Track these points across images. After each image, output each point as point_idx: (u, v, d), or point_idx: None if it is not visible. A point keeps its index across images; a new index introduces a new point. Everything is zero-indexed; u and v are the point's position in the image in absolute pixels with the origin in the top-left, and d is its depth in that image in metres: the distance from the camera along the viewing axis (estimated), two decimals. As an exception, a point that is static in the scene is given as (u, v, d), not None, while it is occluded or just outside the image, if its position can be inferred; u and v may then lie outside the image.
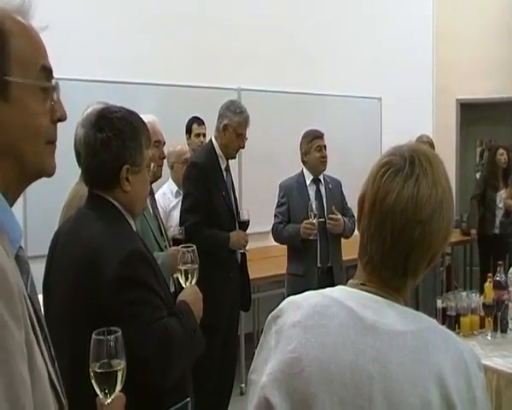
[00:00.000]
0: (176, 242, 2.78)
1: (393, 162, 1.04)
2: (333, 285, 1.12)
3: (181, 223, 3.33)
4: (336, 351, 0.97)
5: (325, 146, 3.93)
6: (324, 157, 3.91)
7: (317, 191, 3.96)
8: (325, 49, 6.10)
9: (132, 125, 1.73)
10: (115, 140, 1.68)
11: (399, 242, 1.01)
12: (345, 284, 1.10)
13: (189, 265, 1.89)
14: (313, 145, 3.91)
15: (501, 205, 6.04)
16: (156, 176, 2.89)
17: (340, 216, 3.80)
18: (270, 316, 1.08)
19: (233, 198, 3.59)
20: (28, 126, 0.95)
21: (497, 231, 6.08)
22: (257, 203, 5.05)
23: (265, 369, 1.01)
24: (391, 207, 1.00)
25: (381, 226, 1.02)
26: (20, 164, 0.95)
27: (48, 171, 0.99)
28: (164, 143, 2.90)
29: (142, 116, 2.66)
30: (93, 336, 1.27)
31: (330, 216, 3.79)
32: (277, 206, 4.01)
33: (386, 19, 6.66)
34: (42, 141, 0.97)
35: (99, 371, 1.26)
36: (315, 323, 1.00)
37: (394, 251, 1.01)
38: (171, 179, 4.15)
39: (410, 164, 1.03)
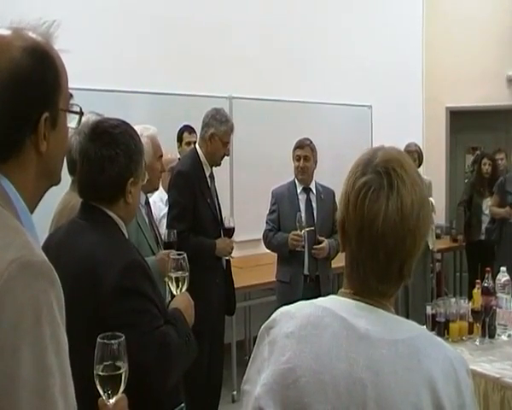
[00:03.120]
0: (168, 245, 2.79)
1: (371, 182, 1.02)
2: (319, 294, 1.13)
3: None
4: (330, 361, 0.98)
5: (306, 156, 3.90)
6: (302, 168, 3.91)
7: (308, 200, 3.97)
8: (316, 58, 6.15)
9: (134, 138, 1.78)
10: (123, 156, 1.72)
11: (394, 257, 1.01)
12: (331, 293, 1.11)
13: (180, 272, 1.90)
14: (294, 154, 3.96)
15: (487, 212, 6.10)
16: (155, 187, 2.91)
17: (324, 244, 3.82)
18: (262, 327, 1.09)
19: (217, 205, 3.62)
20: (64, 148, 1.07)
21: (483, 237, 6.14)
22: (247, 211, 5.08)
23: (259, 380, 1.02)
24: (380, 229, 1.00)
25: (373, 250, 1.01)
26: (50, 181, 1.06)
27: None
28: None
29: (141, 127, 2.72)
30: (98, 339, 1.31)
31: (315, 247, 3.82)
32: (269, 213, 4.04)
33: (376, 27, 6.71)
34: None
35: (102, 373, 1.31)
36: (308, 333, 1.01)
37: (390, 267, 1.02)
38: (161, 187, 4.16)
39: (387, 178, 1.02)
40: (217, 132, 3.50)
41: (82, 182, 1.79)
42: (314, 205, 3.96)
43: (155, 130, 2.86)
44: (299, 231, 3.73)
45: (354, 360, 0.98)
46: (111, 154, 1.71)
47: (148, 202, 2.91)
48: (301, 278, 3.84)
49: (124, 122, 1.81)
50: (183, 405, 1.80)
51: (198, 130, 4.17)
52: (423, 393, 0.98)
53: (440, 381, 0.99)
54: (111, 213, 1.74)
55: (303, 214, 3.83)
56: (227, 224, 3.55)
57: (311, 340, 1.00)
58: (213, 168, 3.62)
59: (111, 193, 1.74)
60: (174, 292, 1.90)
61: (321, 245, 3.81)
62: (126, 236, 1.80)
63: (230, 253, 3.54)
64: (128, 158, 1.73)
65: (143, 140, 1.87)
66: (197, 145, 3.63)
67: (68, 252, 1.67)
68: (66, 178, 2.07)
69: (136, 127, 1.89)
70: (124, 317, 1.57)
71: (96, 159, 1.71)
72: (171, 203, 3.51)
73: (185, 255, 1.93)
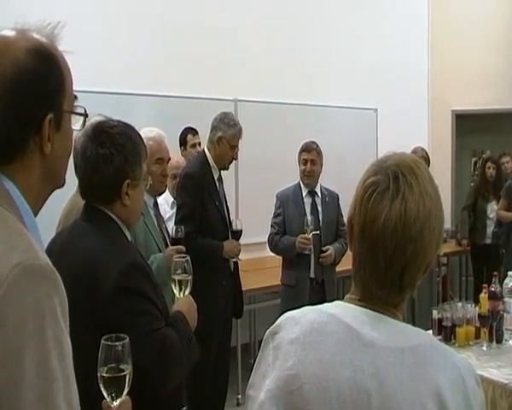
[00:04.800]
0: (175, 241, 2.81)
1: (378, 183, 1.02)
2: (324, 298, 1.13)
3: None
4: (334, 368, 0.97)
5: (313, 160, 3.91)
6: (309, 172, 3.92)
7: (313, 204, 3.97)
8: (321, 61, 6.14)
9: (132, 139, 1.76)
10: (118, 156, 1.70)
11: (393, 262, 1.00)
12: (336, 297, 1.10)
13: (184, 275, 1.88)
14: (300, 158, 3.97)
15: (492, 215, 6.07)
16: (159, 191, 2.91)
17: (330, 251, 3.84)
18: (267, 332, 1.08)
19: (225, 208, 3.64)
20: (68, 150, 1.06)
21: (488, 241, 6.11)
22: (253, 214, 5.06)
23: (263, 385, 1.01)
24: (380, 231, 0.99)
25: (372, 250, 1.01)
26: (54, 184, 1.05)
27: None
28: (169, 159, 2.91)
29: (148, 130, 2.71)
30: (102, 341, 1.30)
31: (322, 255, 3.83)
32: (274, 216, 4.04)
33: (381, 30, 6.70)
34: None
35: (107, 375, 1.30)
36: (313, 340, 1.00)
37: (389, 272, 1.01)
38: (167, 190, 4.15)
39: (394, 182, 1.01)
40: (224, 136, 3.52)
41: (80, 182, 1.79)
42: (319, 209, 3.97)
43: (159, 132, 2.84)
44: (307, 235, 3.73)
45: (359, 367, 0.97)
46: (105, 153, 1.70)
47: (156, 204, 2.92)
48: (307, 282, 3.83)
49: (124, 123, 1.79)
50: (184, 408, 1.80)
51: (203, 133, 4.18)
52: (430, 402, 0.95)
53: (447, 390, 0.97)
54: (112, 215, 1.74)
55: (308, 218, 3.83)
56: (234, 226, 3.57)
57: (315, 346, 0.99)
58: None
59: (107, 193, 1.72)
60: (177, 295, 1.88)
61: (327, 253, 3.84)
62: (129, 237, 1.79)
63: (238, 255, 3.56)
64: (123, 158, 1.71)
65: None
66: (206, 148, 3.64)
67: (70, 254, 1.67)
68: (74, 179, 2.07)
69: (141, 131, 1.88)
70: (123, 317, 1.56)
71: (92, 158, 1.71)
72: (179, 205, 3.53)
73: (189, 258, 1.92)
